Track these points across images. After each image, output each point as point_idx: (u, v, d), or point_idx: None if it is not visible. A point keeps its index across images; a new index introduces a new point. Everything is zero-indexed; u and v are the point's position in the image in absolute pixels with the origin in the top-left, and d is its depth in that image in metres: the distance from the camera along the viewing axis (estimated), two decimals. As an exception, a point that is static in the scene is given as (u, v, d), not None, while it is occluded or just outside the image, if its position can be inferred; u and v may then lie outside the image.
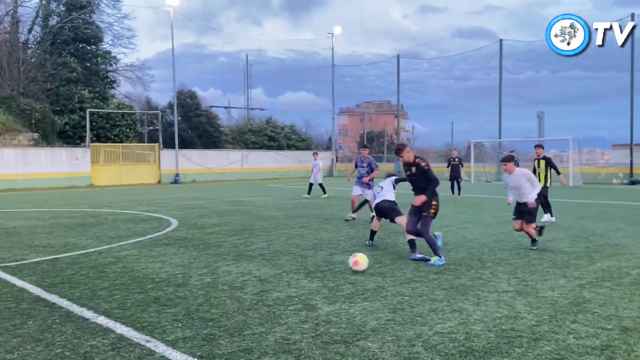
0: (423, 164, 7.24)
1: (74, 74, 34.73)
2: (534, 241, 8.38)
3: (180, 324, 4.71)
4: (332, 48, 44.12)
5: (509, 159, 8.35)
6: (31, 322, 4.85)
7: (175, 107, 35.33)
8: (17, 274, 6.89)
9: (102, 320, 4.88)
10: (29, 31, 37.99)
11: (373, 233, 8.71)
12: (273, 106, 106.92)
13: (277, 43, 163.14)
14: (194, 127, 42.36)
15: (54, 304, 5.48)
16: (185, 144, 37.61)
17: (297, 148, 44.62)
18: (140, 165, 33.34)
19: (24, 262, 7.78)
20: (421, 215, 7.25)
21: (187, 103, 42.47)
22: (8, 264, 7.57)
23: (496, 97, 35.94)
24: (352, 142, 70.83)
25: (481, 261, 7.43)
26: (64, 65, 34.80)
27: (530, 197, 8.11)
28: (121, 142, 34.37)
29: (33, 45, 37.83)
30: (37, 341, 4.35)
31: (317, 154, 21.70)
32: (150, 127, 41.16)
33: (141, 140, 37.91)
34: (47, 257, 8.09)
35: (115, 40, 41.17)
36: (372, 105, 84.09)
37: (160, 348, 4.12)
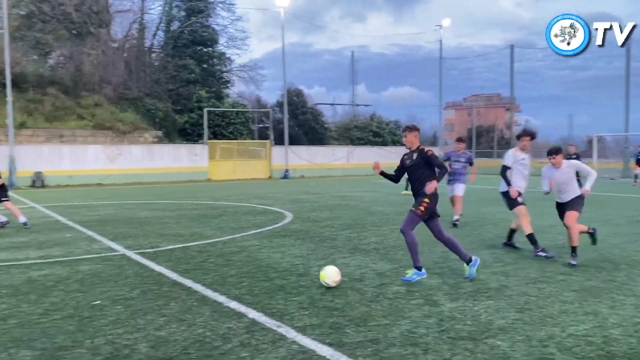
0: (427, 149, 6.15)
1: (193, 75, 37.14)
2: (573, 251, 6.90)
3: (306, 312, 4.92)
4: (441, 41, 43.13)
5: (557, 150, 7.29)
6: (173, 304, 5.31)
7: (285, 106, 36.48)
8: (154, 260, 7.55)
9: (235, 305, 5.22)
10: (153, 36, 41.18)
11: (512, 232, 8.01)
12: (376, 102, 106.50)
13: (381, 38, 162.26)
14: (301, 125, 43.48)
15: (189, 288, 5.96)
16: (292, 141, 38.76)
17: (402, 144, 44.12)
18: (252, 160, 34.91)
19: (159, 249, 8.50)
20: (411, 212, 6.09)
21: (293, 101, 43.70)
22: (146, 250, 8.32)
23: (620, 87, 33.16)
24: (459, 137, 68.74)
25: (613, 263, 6.94)
26: (184, 67, 37.33)
27: (588, 185, 7.13)
28: (235, 139, 36.20)
29: (157, 50, 40.95)
30: (180, 321, 4.76)
31: None
32: (260, 125, 42.94)
33: (252, 138, 39.65)
34: (178, 245, 8.77)
35: (230, 42, 43.45)
36: (480, 99, 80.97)
37: (291, 334, 4.34)
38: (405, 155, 6.41)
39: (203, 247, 8.60)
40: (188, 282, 6.18)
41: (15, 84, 28.51)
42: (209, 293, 5.68)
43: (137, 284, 6.17)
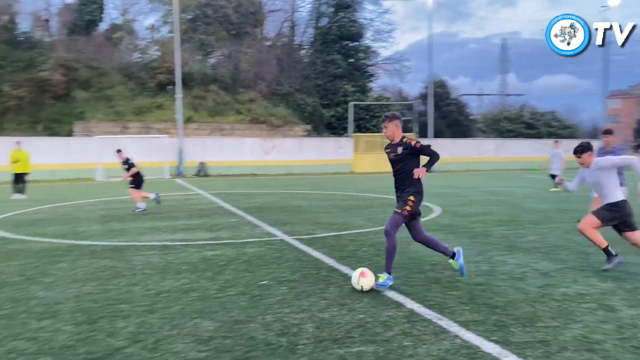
0: (414, 142, 5.55)
1: (340, 69, 38.12)
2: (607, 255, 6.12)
3: (467, 307, 4.82)
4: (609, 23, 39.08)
5: (581, 148, 6.20)
6: (332, 288, 5.54)
7: (430, 98, 35.86)
8: (311, 246, 7.92)
9: (392, 294, 5.29)
10: (303, 33, 42.98)
11: None
12: (527, 91, 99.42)
13: (533, 23, 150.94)
14: (444, 117, 42.45)
15: (346, 274, 6.15)
16: (435, 134, 38.01)
17: (559, 136, 40.93)
18: (395, 153, 34.91)
19: (314, 236, 8.89)
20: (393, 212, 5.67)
21: (437, 92, 42.81)
22: (302, 237, 8.76)
23: None
24: (626, 129, 61.83)
25: None
26: (331, 63, 38.48)
27: (613, 196, 6.02)
28: (379, 132, 36.43)
29: (306, 46, 42.68)
30: (341, 305, 4.95)
31: (557, 142, 19.52)
32: (402, 118, 42.75)
33: (394, 130, 39.65)
34: (331, 233, 9.10)
35: (376, 35, 43.81)
36: (653, 86, 71.85)
37: (453, 327, 4.29)
38: (386, 148, 5.80)
39: (355, 236, 8.83)
40: (344, 269, 6.39)
41: (184, 82, 31.64)
42: (365, 281, 5.82)
43: (297, 267, 6.54)
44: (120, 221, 11.06)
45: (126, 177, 12.66)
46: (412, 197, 5.53)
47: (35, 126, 31.09)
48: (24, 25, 37.37)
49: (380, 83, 46.61)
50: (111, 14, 42.09)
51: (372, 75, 43.61)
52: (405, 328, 4.30)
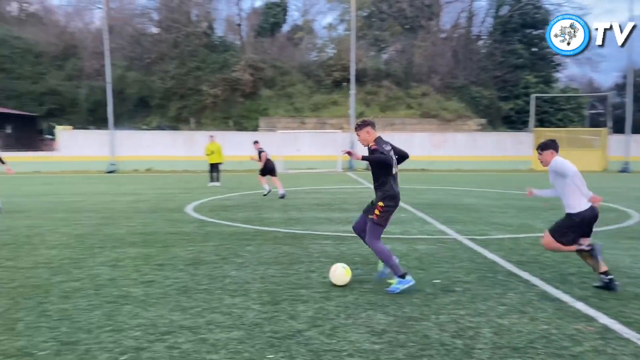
0: (372, 144, 5.57)
1: (521, 60, 35.75)
2: (603, 275, 5.33)
3: (676, 330, 4.20)
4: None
5: (541, 146, 5.63)
6: (511, 294, 5.23)
7: (629, 88, 31.80)
8: (486, 247, 7.57)
9: (581, 306, 4.83)
10: (482, 23, 41.13)
11: None
12: None
13: None
14: (647, 109, 37.29)
15: (527, 280, 5.77)
16: (633, 129, 33.61)
17: None
18: (583, 150, 31.67)
19: (489, 237, 8.49)
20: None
21: (636, 82, 37.71)
22: (476, 237, 8.42)
23: None
24: None
25: None
26: (511, 53, 36.27)
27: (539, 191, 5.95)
28: (564, 126, 33.50)
29: (485, 37, 40.79)
30: (521, 313, 4.65)
31: None
32: (592, 111, 38.59)
33: (583, 125, 35.94)
34: (508, 235, 8.60)
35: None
36: None
37: (657, 351, 3.77)
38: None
39: (535, 240, 8.21)
40: (524, 275, 6.00)
41: (357, 79, 32.46)
42: (549, 289, 5.40)
43: (472, 269, 6.30)
44: (298, 210, 11.77)
45: (255, 159, 14.58)
46: (380, 203, 5.52)
47: (226, 121, 34.56)
48: (219, 30, 41.70)
49: (568, 73, 42.71)
50: (293, 16, 44.91)
51: (558, 65, 39.99)
52: (598, 345, 3.90)
